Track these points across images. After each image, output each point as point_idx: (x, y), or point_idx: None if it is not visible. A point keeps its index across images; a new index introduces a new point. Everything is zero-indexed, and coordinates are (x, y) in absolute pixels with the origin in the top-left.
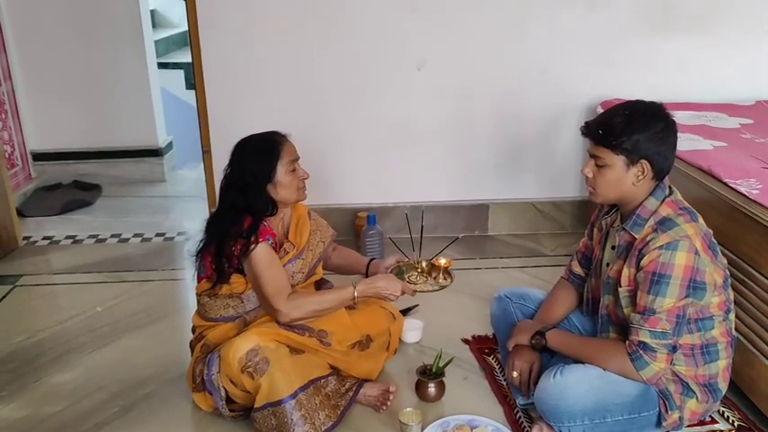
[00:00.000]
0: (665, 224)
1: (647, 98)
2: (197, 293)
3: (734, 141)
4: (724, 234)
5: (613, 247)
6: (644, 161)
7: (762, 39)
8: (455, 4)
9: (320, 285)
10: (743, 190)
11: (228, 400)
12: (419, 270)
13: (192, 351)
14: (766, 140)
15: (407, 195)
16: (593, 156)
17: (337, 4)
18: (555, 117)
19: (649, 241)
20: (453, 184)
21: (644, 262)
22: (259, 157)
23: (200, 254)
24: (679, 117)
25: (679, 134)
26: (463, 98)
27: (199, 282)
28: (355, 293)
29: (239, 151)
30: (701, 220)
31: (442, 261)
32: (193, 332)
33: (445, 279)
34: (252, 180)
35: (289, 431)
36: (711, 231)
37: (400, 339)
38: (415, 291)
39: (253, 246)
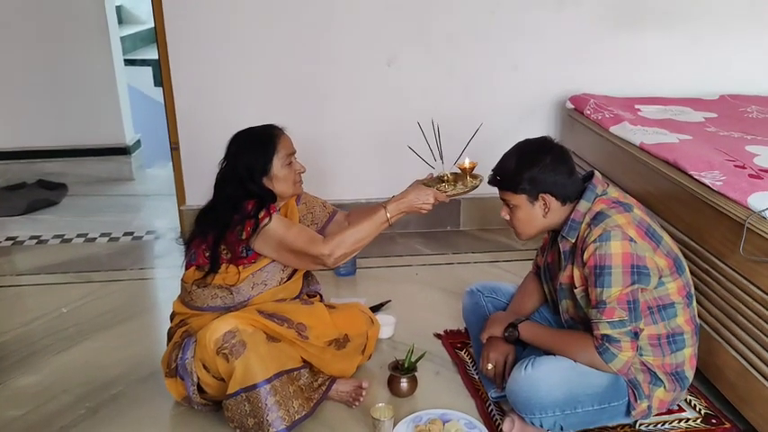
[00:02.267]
0: (597, 218)
1: (615, 93)
2: (183, 281)
3: (699, 135)
4: (689, 225)
5: (561, 254)
6: (543, 195)
7: (725, 35)
8: (426, 1)
9: (307, 276)
10: (707, 182)
11: (200, 390)
12: (445, 179)
13: (170, 337)
14: (730, 134)
15: (380, 191)
16: (502, 200)
17: None
18: (526, 113)
19: (586, 237)
20: None
21: (585, 258)
22: (255, 149)
23: (191, 242)
24: (646, 111)
25: (646, 128)
26: (434, 95)
27: (187, 269)
28: (387, 214)
29: (235, 144)
30: (636, 210)
31: (467, 163)
32: (172, 319)
33: (473, 180)
34: (247, 173)
35: (263, 416)
36: (649, 221)
37: None
38: (449, 196)
39: (266, 220)
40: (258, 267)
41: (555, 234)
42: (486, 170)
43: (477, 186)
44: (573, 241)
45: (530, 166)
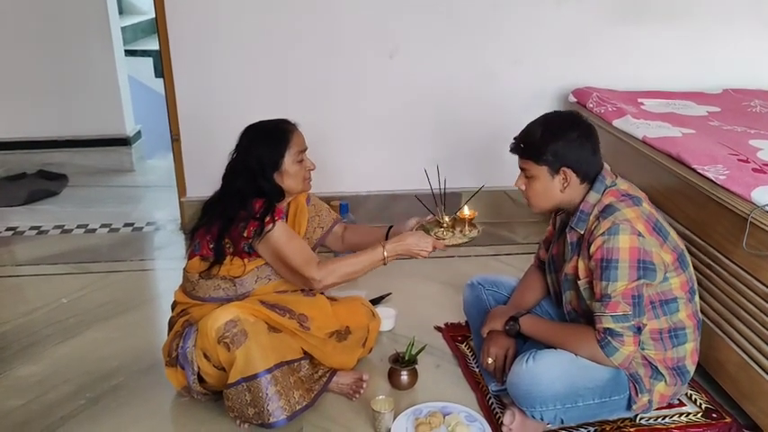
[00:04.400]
0: (606, 211)
1: (618, 86)
2: (186, 270)
3: (702, 129)
4: (692, 219)
5: (568, 245)
6: (565, 169)
7: (729, 29)
8: None
9: None
10: (710, 176)
11: (200, 379)
12: (444, 226)
13: (171, 326)
14: (733, 128)
15: (380, 184)
16: (521, 169)
17: None
18: (527, 106)
19: (594, 230)
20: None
21: (591, 251)
22: (267, 144)
23: (195, 232)
24: (649, 105)
25: (649, 121)
26: (436, 88)
27: (190, 259)
28: (385, 253)
29: (247, 137)
30: (645, 204)
31: (467, 212)
32: (173, 308)
33: (471, 231)
34: (258, 167)
35: (263, 406)
36: (656, 216)
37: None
38: (446, 245)
39: (270, 226)
40: (263, 262)
41: (562, 226)
42: (481, 218)
43: (475, 238)
44: (581, 233)
45: (556, 139)
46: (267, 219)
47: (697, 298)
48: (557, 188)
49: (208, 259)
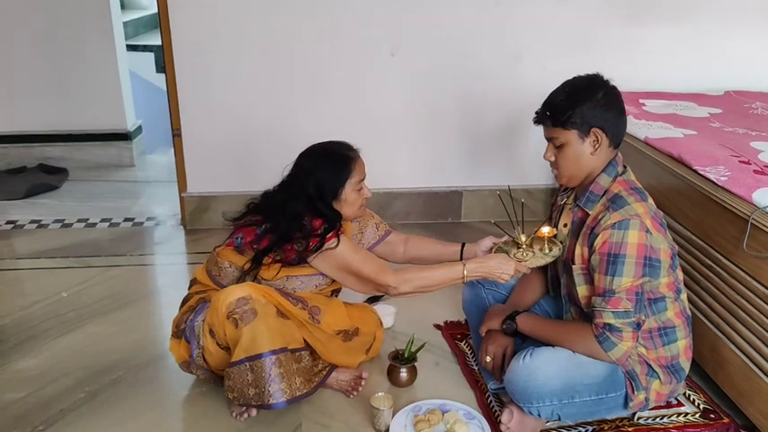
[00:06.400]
0: (616, 202)
1: (620, 87)
2: (218, 255)
3: (703, 130)
4: (693, 220)
5: (565, 225)
6: (595, 130)
7: (731, 30)
8: None
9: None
10: (712, 177)
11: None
12: (524, 246)
13: (185, 302)
14: (734, 129)
15: (380, 182)
16: (549, 139)
17: None
18: (528, 104)
19: (600, 219)
20: (426, 172)
21: (597, 243)
22: (330, 171)
23: (241, 227)
24: (651, 106)
25: (650, 122)
26: (436, 86)
27: (227, 246)
28: (465, 272)
29: (309, 160)
30: (650, 200)
31: (545, 231)
32: (191, 285)
33: (550, 249)
34: (316, 193)
35: (264, 386)
36: (661, 212)
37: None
38: (529, 267)
39: (333, 242)
40: (295, 273)
41: (561, 208)
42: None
43: (558, 256)
44: (589, 213)
45: (583, 100)
46: (330, 235)
47: (683, 296)
48: (587, 152)
49: (242, 253)
